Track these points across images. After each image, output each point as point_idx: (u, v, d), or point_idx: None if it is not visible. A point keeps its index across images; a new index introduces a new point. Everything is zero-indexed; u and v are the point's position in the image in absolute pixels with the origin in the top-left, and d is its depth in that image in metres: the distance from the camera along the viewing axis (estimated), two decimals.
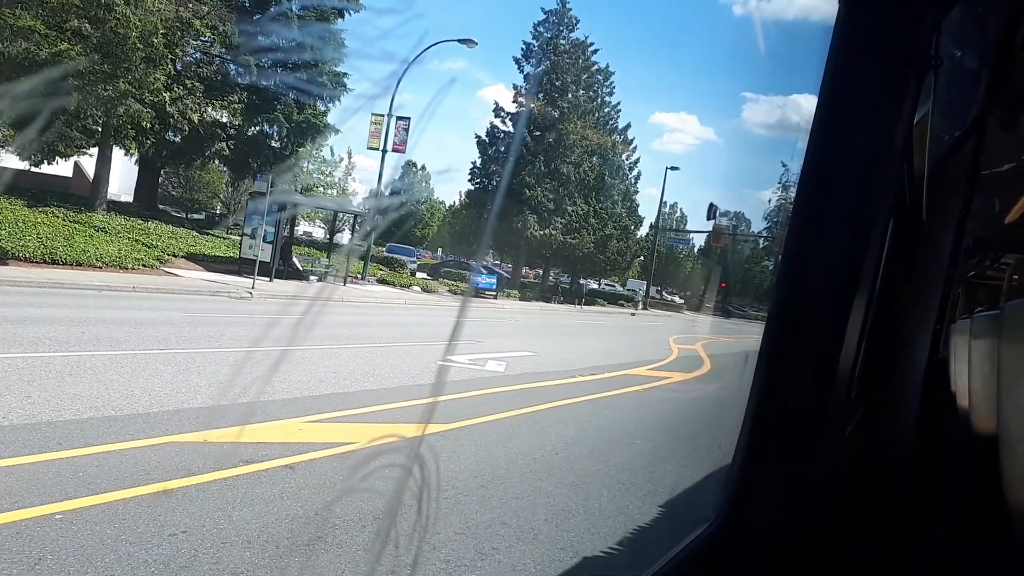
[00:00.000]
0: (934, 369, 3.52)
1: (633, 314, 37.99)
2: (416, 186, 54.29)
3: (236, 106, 26.05)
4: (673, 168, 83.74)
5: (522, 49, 39.52)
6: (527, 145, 36.45)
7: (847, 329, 1.57)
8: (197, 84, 24.04)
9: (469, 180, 39.92)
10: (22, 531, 3.35)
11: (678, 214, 69.27)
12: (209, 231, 27.29)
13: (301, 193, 35.90)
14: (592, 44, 39.80)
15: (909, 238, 3.34)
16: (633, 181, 45.19)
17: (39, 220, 17.71)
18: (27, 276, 13.09)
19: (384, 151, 26.96)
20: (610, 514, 4.93)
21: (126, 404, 5.68)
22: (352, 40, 28.55)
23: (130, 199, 30.04)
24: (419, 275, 32.57)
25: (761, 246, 53.23)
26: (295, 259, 22.48)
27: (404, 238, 44.02)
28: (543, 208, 36.85)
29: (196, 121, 23.91)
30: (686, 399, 11.63)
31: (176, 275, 17.84)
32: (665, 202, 70.27)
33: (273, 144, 28.39)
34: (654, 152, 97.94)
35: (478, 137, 38.97)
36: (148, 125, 19.95)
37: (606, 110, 42.63)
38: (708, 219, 42.87)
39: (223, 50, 24.99)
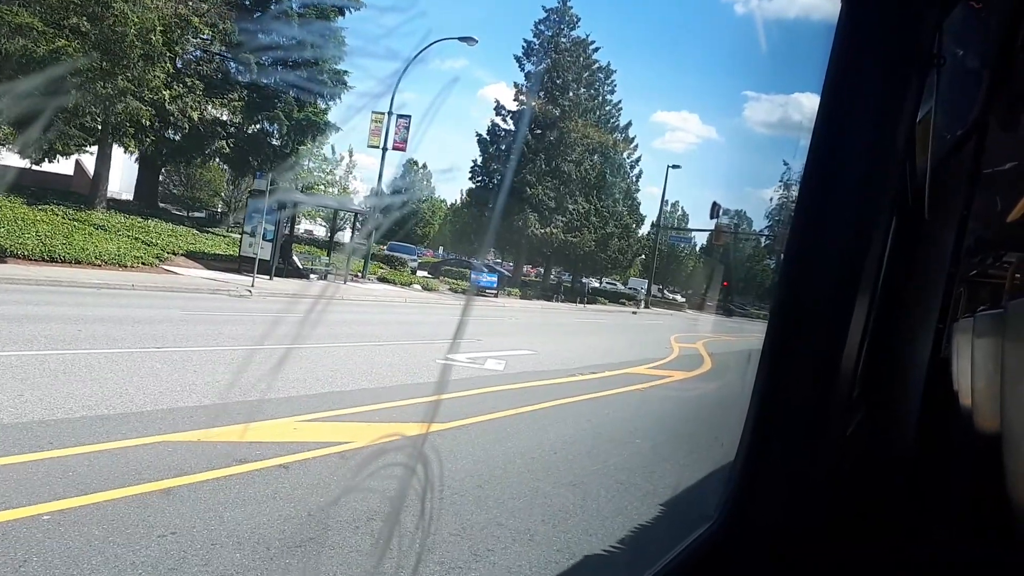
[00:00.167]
0: (936, 368, 3.48)
1: (634, 312, 37.93)
2: (417, 185, 54.26)
3: (236, 104, 26.01)
4: (675, 167, 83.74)
5: (523, 47, 39.47)
6: (528, 143, 36.39)
7: (849, 328, 1.56)
8: (197, 82, 23.99)
9: (470, 178, 39.89)
10: (8, 532, 3.29)
11: (679, 213, 69.21)
12: (210, 229, 27.29)
13: (302, 191, 35.85)
14: (593, 42, 39.75)
15: (911, 237, 3.30)
16: (634, 179, 45.11)
17: (38, 218, 17.69)
18: (25, 274, 13.05)
19: (385, 149, 26.93)
20: (609, 514, 4.87)
21: (120, 403, 5.62)
22: (353, 38, 28.53)
23: (131, 197, 30.01)
24: (420, 273, 32.52)
25: (763, 245, 53.12)
26: (295, 257, 22.45)
27: (405, 237, 44.01)
28: (544, 206, 36.78)
29: (196, 119, 23.87)
30: (687, 398, 11.57)
31: (175, 273, 17.80)
32: (666, 200, 70.04)
33: (273, 142, 28.34)
34: (655, 151, 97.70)
35: (479, 135, 38.94)
36: (147, 123, 19.90)
37: (607, 108, 42.53)
38: (711, 218, 42.77)
39: (223, 48, 24.94)
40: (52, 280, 13.08)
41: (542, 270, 45.68)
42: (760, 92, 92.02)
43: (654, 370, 12.87)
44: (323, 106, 28.57)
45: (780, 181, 44.36)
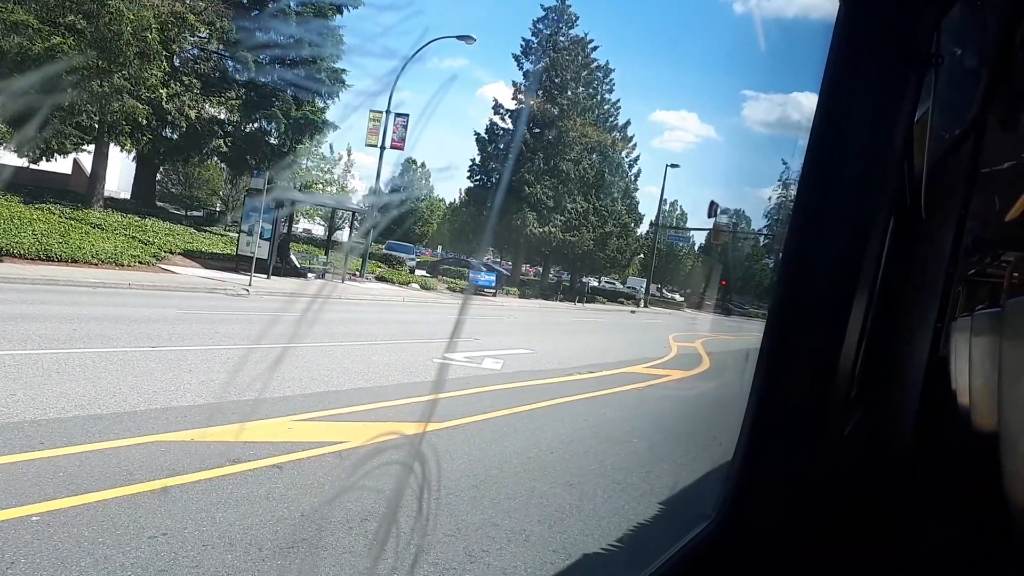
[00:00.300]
0: (934, 367, 3.47)
1: (633, 312, 37.91)
2: (416, 183, 54.20)
3: (234, 103, 25.94)
4: (673, 166, 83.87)
5: (522, 46, 39.45)
6: (527, 142, 36.33)
7: (847, 327, 1.56)
8: (194, 80, 23.91)
9: (468, 177, 39.82)
10: None
11: (678, 212, 69.16)
12: (207, 228, 27.22)
13: (300, 190, 35.80)
14: (592, 41, 39.69)
15: (909, 236, 3.29)
16: (633, 179, 45.06)
17: (35, 217, 17.62)
18: (21, 273, 13.00)
19: (382, 148, 26.87)
20: (606, 514, 4.84)
21: (113, 402, 5.58)
22: (351, 36, 28.50)
23: (129, 196, 29.95)
24: (418, 272, 32.48)
25: (761, 244, 53.19)
26: (293, 256, 22.39)
27: (404, 235, 43.93)
28: (543, 205, 36.74)
29: (193, 118, 23.80)
30: (685, 397, 11.54)
31: (172, 272, 17.75)
32: (665, 200, 70.27)
33: (271, 141, 28.29)
34: (654, 150, 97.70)
35: (477, 134, 38.86)
36: (144, 121, 19.82)
37: (606, 107, 42.48)
38: (709, 216, 42.79)
39: (221, 46, 24.86)
40: (48, 279, 13.02)
41: (540, 269, 45.64)
42: (759, 91, 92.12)
43: (652, 369, 12.84)
44: (321, 105, 28.55)
45: (779, 180, 44.41)
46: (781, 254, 1.66)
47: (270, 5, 26.34)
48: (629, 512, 4.91)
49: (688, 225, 67.41)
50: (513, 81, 40.84)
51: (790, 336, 1.57)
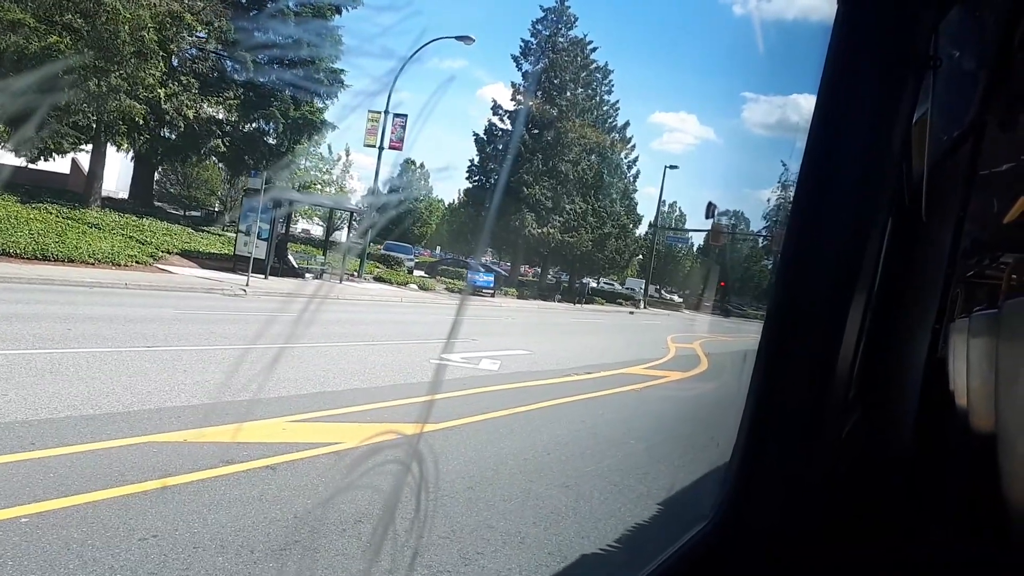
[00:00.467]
0: (933, 369, 3.46)
1: (631, 313, 37.89)
2: (415, 184, 54.18)
3: (232, 102, 25.88)
4: (672, 167, 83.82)
5: (521, 47, 39.45)
6: (525, 143, 36.31)
7: (846, 329, 1.55)
8: (192, 80, 23.86)
9: (467, 178, 39.80)
10: None
11: (677, 213, 69.08)
12: (205, 228, 27.16)
13: (299, 190, 35.77)
14: (591, 42, 39.71)
15: (908, 238, 3.28)
16: (632, 180, 45.10)
17: (32, 216, 17.57)
18: (17, 272, 12.94)
19: (381, 148, 26.84)
20: (602, 516, 4.81)
21: (106, 403, 5.54)
22: (349, 37, 28.47)
23: (127, 196, 29.89)
24: (416, 273, 32.44)
25: (760, 245, 53.21)
26: (291, 256, 22.35)
27: (403, 236, 43.90)
28: (541, 206, 36.70)
29: (191, 117, 23.74)
30: (683, 398, 11.51)
31: (170, 272, 17.70)
32: (664, 201, 70.17)
33: (270, 141, 28.25)
34: (653, 151, 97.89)
35: (476, 135, 38.85)
36: (141, 121, 19.76)
37: (605, 108, 42.50)
38: (707, 218, 42.82)
39: (219, 46, 24.82)
40: (44, 278, 12.97)
41: (539, 270, 45.62)
42: (758, 93, 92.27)
43: (650, 370, 12.81)
44: (320, 105, 28.52)
45: (778, 182, 44.45)
46: (779, 256, 1.65)
47: (269, 5, 26.31)
48: (626, 514, 4.87)
49: (687, 226, 67.45)
50: (512, 82, 40.92)
51: (788, 337, 1.57)
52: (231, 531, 3.61)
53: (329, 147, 40.72)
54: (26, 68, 14.88)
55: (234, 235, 22.21)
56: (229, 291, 15.86)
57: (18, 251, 14.62)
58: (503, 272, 39.63)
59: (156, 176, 33.27)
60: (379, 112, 26.78)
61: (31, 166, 25.09)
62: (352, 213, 26.50)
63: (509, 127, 38.71)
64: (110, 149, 24.09)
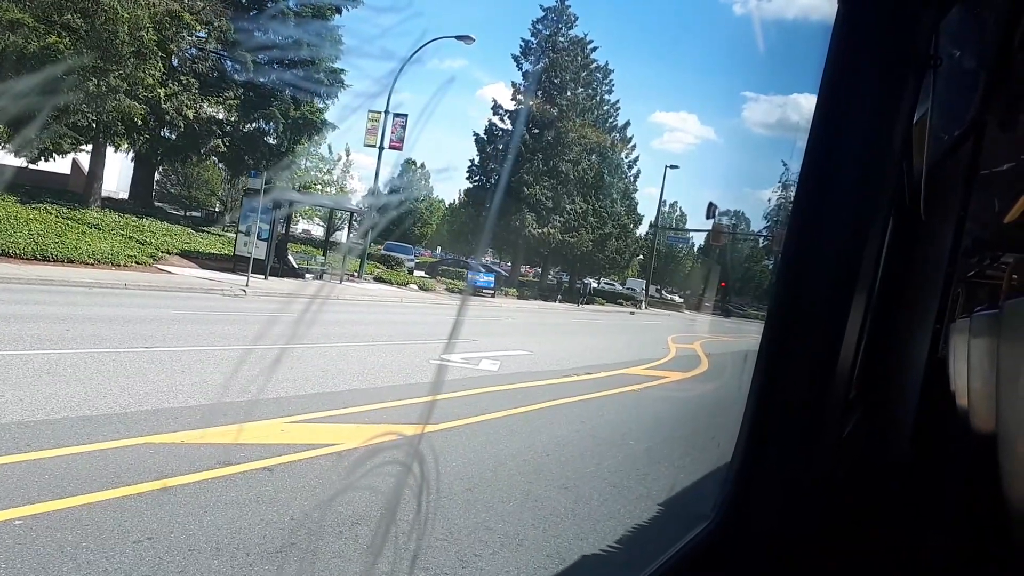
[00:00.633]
0: (934, 369, 3.44)
1: (632, 313, 37.86)
2: (415, 184, 54.15)
3: (232, 103, 25.85)
4: (673, 167, 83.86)
5: (521, 46, 39.41)
6: (526, 143, 36.27)
7: (846, 329, 1.55)
8: (192, 80, 23.84)
9: (467, 178, 39.76)
10: None
11: (677, 213, 69.03)
12: (205, 228, 27.14)
13: (299, 191, 35.75)
14: (591, 42, 39.67)
15: (908, 238, 3.26)
16: (632, 180, 45.04)
17: (32, 216, 17.54)
18: (16, 273, 12.92)
19: (381, 148, 26.82)
20: (601, 518, 4.78)
21: (103, 403, 5.51)
22: (350, 37, 28.46)
23: (127, 196, 29.88)
24: (417, 273, 32.41)
25: (761, 245, 53.16)
26: (291, 257, 22.33)
27: (403, 236, 43.87)
28: (542, 206, 36.67)
29: (191, 117, 23.71)
30: (683, 399, 11.48)
31: (169, 272, 17.68)
32: (664, 201, 70.20)
33: (270, 141, 28.22)
34: (654, 151, 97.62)
35: (477, 135, 38.81)
36: (140, 121, 19.73)
37: (605, 108, 42.46)
38: (707, 218, 42.82)
39: (219, 46, 24.80)
40: (43, 279, 12.95)
41: (539, 270, 45.58)
42: (759, 93, 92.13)
43: (650, 371, 12.78)
44: (320, 105, 28.49)
45: (779, 182, 44.40)
46: (780, 256, 1.65)
47: (269, 5, 26.29)
48: (626, 515, 4.85)
49: (687, 226, 67.40)
50: (512, 82, 40.87)
51: (789, 338, 1.57)
52: (227, 533, 3.58)
53: (329, 147, 40.71)
54: (25, 68, 14.86)
55: (234, 235, 22.20)
56: (229, 291, 15.84)
57: (17, 251, 14.59)
58: (503, 272, 39.59)
59: (156, 176, 33.25)
60: (379, 112, 26.80)
61: (31, 167, 25.09)
62: (352, 213, 26.47)
63: (509, 127, 38.68)
64: (110, 149, 24.07)
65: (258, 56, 25.68)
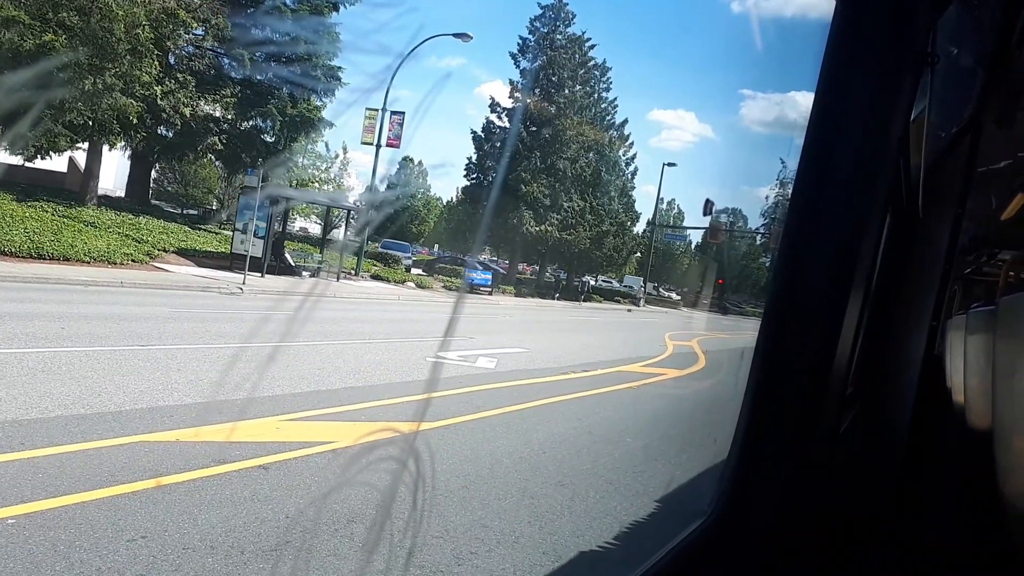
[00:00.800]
0: (930, 365, 3.44)
1: (629, 311, 37.88)
2: (413, 181, 54.12)
3: (229, 100, 25.76)
4: (670, 165, 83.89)
5: (518, 44, 39.29)
6: (523, 140, 36.22)
7: (843, 326, 1.55)
8: (189, 78, 23.77)
9: (465, 176, 39.71)
10: None
11: (675, 211, 69.04)
12: (202, 226, 27.08)
13: (296, 187, 35.68)
14: (589, 39, 39.54)
15: (906, 235, 3.26)
16: (630, 177, 44.97)
17: (27, 215, 17.48)
18: (11, 271, 12.88)
19: (378, 146, 26.77)
20: (598, 515, 4.77)
21: (98, 402, 5.49)
22: (345, 32, 28.39)
23: (124, 194, 29.80)
24: (414, 271, 32.38)
25: (758, 243, 53.20)
26: (287, 254, 22.28)
27: (400, 234, 43.81)
28: (539, 204, 36.62)
29: (188, 115, 23.64)
30: (680, 396, 11.48)
31: (166, 270, 17.64)
32: (662, 199, 70.09)
33: (267, 138, 28.15)
34: (651, 149, 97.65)
35: (474, 133, 38.74)
36: (135, 119, 19.65)
37: (603, 106, 42.35)
38: (704, 215, 42.86)
39: (216, 43, 24.73)
40: (39, 277, 12.91)
41: (537, 268, 45.57)
42: (757, 90, 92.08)
43: (647, 368, 12.78)
44: (317, 102, 28.43)
45: (776, 179, 44.44)
46: (777, 253, 1.66)
47: (266, 2, 26.21)
48: (622, 512, 4.84)
49: (685, 224, 67.40)
50: (510, 79, 40.82)
51: (786, 335, 1.57)
52: (222, 532, 3.57)
53: (326, 144, 40.63)
54: (20, 66, 14.79)
55: (230, 233, 22.15)
56: (225, 289, 15.80)
57: (13, 249, 14.55)
58: (501, 270, 39.58)
59: (153, 174, 33.19)
60: (376, 109, 26.72)
61: (28, 164, 25.02)
62: (349, 211, 26.43)
63: (507, 125, 38.62)
64: (106, 147, 23.99)
65: (255, 53, 25.63)
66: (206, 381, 6.72)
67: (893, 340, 3.34)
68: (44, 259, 14.97)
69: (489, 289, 30.62)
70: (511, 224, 35.96)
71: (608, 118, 42.89)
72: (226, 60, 25.98)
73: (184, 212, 32.23)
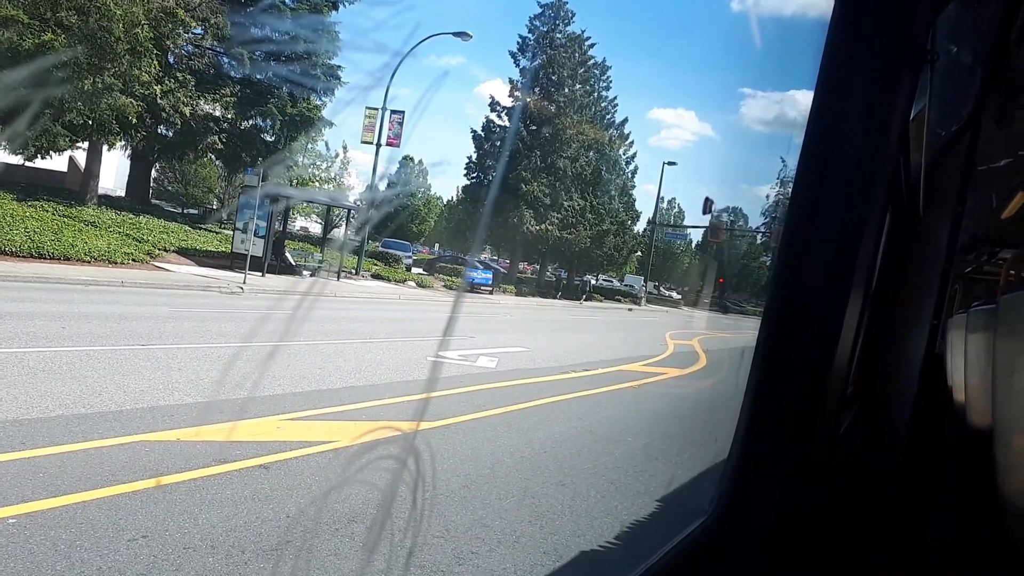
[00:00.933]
0: (931, 364, 3.44)
1: (630, 310, 37.87)
2: (413, 180, 54.10)
3: (229, 99, 25.76)
4: (670, 163, 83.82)
5: (518, 43, 39.25)
6: (523, 139, 36.21)
7: (843, 325, 1.55)
8: (189, 77, 23.76)
9: (465, 175, 39.69)
10: None
11: (676, 209, 68.96)
12: (202, 226, 27.08)
13: (296, 187, 35.68)
14: (589, 38, 39.48)
15: (905, 233, 3.26)
16: (630, 176, 44.93)
17: (28, 214, 17.47)
18: (12, 271, 12.88)
19: (378, 145, 26.76)
20: (599, 514, 4.77)
21: (98, 401, 5.49)
22: (346, 32, 28.37)
23: (124, 194, 29.80)
24: (414, 270, 32.37)
25: (759, 242, 53.15)
26: (288, 254, 22.28)
27: (401, 233, 43.79)
28: (539, 203, 36.59)
29: (188, 114, 23.64)
30: (681, 395, 11.48)
31: (166, 270, 17.64)
32: (662, 197, 69.99)
33: (266, 138, 28.14)
34: (651, 148, 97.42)
35: (474, 132, 38.71)
36: (134, 119, 19.64)
37: (603, 105, 42.31)
38: (704, 213, 42.82)
39: (215, 43, 24.71)
40: (39, 276, 12.91)
41: (537, 267, 45.54)
42: (756, 89, 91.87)
43: (648, 367, 12.78)
44: (317, 101, 28.42)
45: (777, 178, 44.35)
46: (777, 251, 1.65)
47: (264, 1, 26.19)
48: (623, 511, 4.84)
49: (685, 223, 67.33)
50: (510, 78, 40.79)
51: (786, 334, 1.57)
52: (223, 531, 3.57)
53: (326, 143, 40.65)
54: (19, 66, 14.78)
55: (231, 232, 22.15)
56: (226, 289, 15.80)
57: (14, 249, 14.55)
58: (501, 269, 39.55)
59: (153, 174, 33.18)
60: (376, 108, 26.71)
61: (28, 164, 25.00)
62: (350, 210, 26.42)
63: (507, 123, 38.59)
64: (106, 147, 23.98)
65: (255, 52, 25.61)
66: (207, 380, 6.72)
67: (893, 339, 3.34)
68: (44, 259, 14.98)
69: (490, 288, 30.62)
70: (511, 223, 35.94)
71: (608, 117, 42.86)
72: (225, 59, 25.96)
73: (184, 211, 32.25)
